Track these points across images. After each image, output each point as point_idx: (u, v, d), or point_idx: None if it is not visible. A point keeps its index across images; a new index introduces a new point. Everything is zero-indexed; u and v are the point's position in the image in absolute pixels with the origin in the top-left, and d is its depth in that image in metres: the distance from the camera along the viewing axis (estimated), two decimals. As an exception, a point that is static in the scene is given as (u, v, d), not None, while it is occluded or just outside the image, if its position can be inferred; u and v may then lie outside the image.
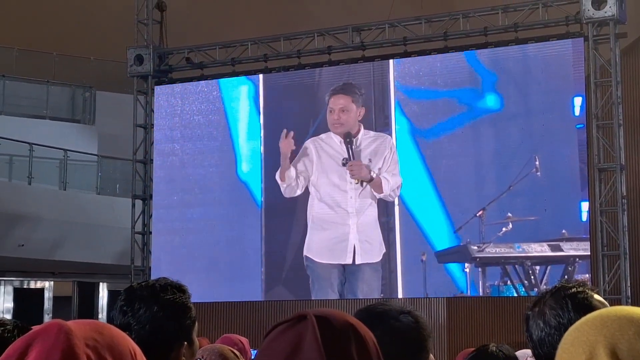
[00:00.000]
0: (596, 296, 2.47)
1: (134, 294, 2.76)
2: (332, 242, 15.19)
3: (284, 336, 1.58)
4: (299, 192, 15.48)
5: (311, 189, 15.46)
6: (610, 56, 14.08)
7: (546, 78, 14.48)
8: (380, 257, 14.98)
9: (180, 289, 2.82)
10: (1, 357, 1.36)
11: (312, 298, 15.21)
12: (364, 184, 15.01)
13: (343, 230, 15.12)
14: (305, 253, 15.35)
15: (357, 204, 15.07)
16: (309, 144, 15.47)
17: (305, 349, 1.53)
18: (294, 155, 15.52)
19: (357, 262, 15.01)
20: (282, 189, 15.58)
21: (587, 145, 14.04)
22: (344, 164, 15.15)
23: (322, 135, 15.40)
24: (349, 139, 15.12)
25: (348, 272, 15.12)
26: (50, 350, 1.32)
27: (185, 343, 2.78)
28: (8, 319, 2.47)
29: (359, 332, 1.61)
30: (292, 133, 15.54)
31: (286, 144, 15.51)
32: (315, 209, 15.40)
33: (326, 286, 15.22)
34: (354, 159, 15.07)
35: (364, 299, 14.95)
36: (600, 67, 14.31)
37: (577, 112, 14.18)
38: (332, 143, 15.28)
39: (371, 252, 14.99)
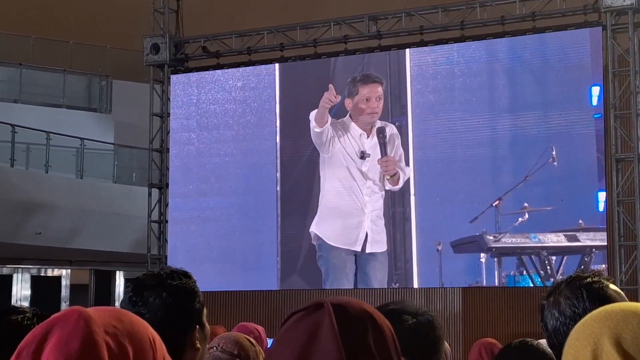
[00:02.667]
0: (612, 286, 2.46)
1: (142, 284, 2.78)
2: (346, 229, 15.19)
3: (301, 324, 1.58)
4: (325, 145, 15.42)
5: (323, 174, 15.44)
6: (628, 45, 14.02)
7: (564, 67, 14.43)
8: (386, 248, 15.01)
9: (185, 274, 2.85)
10: (21, 343, 1.37)
11: (327, 287, 15.21)
12: (387, 179, 15.03)
13: (358, 218, 15.12)
14: (314, 230, 15.34)
15: (371, 193, 15.09)
16: (329, 126, 15.45)
17: (321, 337, 1.53)
18: (331, 110, 15.53)
19: (367, 251, 15.03)
20: (313, 131, 15.48)
21: (605, 135, 13.99)
22: (362, 157, 15.13)
23: (343, 121, 15.36)
24: (382, 134, 15.09)
25: (360, 261, 15.13)
26: (69, 336, 1.33)
27: (198, 326, 2.80)
28: (27, 307, 2.49)
29: (376, 321, 1.62)
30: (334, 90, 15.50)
31: (329, 98, 15.42)
32: (328, 195, 15.40)
33: (341, 276, 15.22)
34: (387, 153, 15.06)
35: (379, 288, 14.97)
36: (619, 56, 14.24)
37: (594, 101, 14.13)
38: (352, 133, 15.26)
39: (381, 242, 15.02)
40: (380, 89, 15.34)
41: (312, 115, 15.48)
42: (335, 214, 15.35)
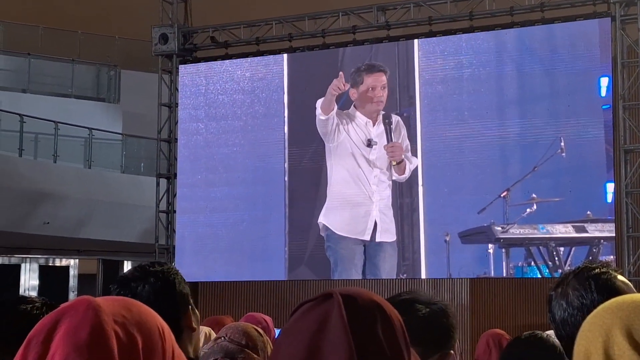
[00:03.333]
0: (620, 277, 2.46)
1: (126, 278, 2.79)
2: (355, 218, 15.19)
3: (310, 315, 1.58)
4: (330, 134, 15.41)
5: (329, 163, 15.44)
6: (637, 36, 13.99)
7: (572, 58, 14.39)
8: (395, 238, 15.02)
9: (161, 262, 2.87)
10: (30, 332, 1.37)
11: (335, 278, 15.21)
12: (393, 165, 15.02)
13: (367, 207, 15.12)
14: (322, 220, 15.34)
15: (378, 182, 15.09)
16: (335, 115, 15.44)
17: (330, 328, 1.53)
18: (338, 99, 15.53)
19: (377, 240, 15.03)
20: (318, 119, 15.46)
21: (613, 126, 13.96)
22: (368, 145, 15.13)
23: (349, 111, 15.36)
24: (388, 120, 15.10)
25: (369, 251, 15.13)
26: (78, 326, 1.33)
27: (190, 307, 2.82)
28: (36, 297, 2.50)
29: (385, 311, 1.62)
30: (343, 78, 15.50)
31: (338, 85, 15.41)
32: (335, 185, 15.40)
33: (349, 267, 15.22)
34: (392, 140, 15.06)
35: (387, 278, 14.97)
36: (628, 47, 14.22)
37: (603, 92, 14.10)
38: (358, 122, 15.26)
39: (390, 231, 15.02)
40: (384, 78, 15.32)
41: (319, 103, 15.47)
42: (343, 204, 15.34)
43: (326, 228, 15.39)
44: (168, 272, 2.80)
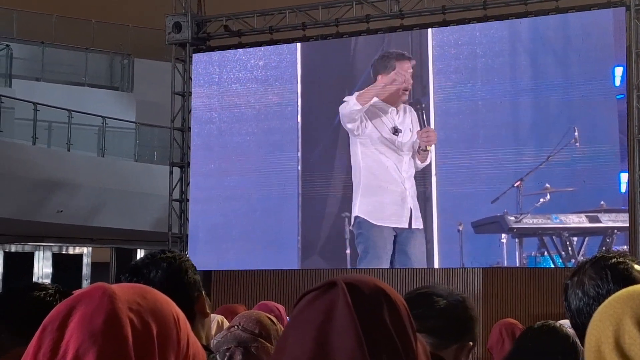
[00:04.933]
0: (637, 267, 2.45)
1: (137, 265, 2.79)
2: (391, 206, 15.13)
3: (315, 305, 1.58)
4: (349, 126, 15.40)
5: (360, 150, 15.39)
6: (652, 26, 13.94)
7: (586, 48, 14.35)
8: (422, 226, 15.00)
9: (171, 250, 2.88)
10: (45, 318, 1.37)
11: (362, 267, 15.13)
12: (420, 152, 14.99)
13: (401, 195, 15.06)
14: (357, 214, 15.28)
15: (408, 169, 15.07)
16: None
17: (337, 317, 1.53)
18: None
19: (412, 227, 14.99)
20: (351, 109, 15.41)
21: (627, 116, 13.92)
22: (394, 132, 15.07)
23: (374, 101, 15.30)
24: (419, 105, 15.06)
25: (400, 239, 15.06)
26: (93, 313, 1.34)
27: (203, 293, 2.83)
28: (49, 284, 2.50)
29: (390, 297, 1.61)
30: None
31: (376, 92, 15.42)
32: (367, 173, 15.34)
33: (381, 255, 15.13)
34: (427, 125, 15.03)
35: (405, 268, 14.95)
36: (642, 36, 14.17)
37: (617, 82, 14.06)
38: (382, 110, 15.20)
39: (419, 218, 15.00)
40: (411, 65, 15.31)
41: (355, 95, 15.42)
42: (377, 193, 15.26)
43: (359, 218, 15.30)
44: (179, 258, 2.81)
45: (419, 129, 15.06)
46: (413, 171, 15.08)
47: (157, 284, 2.70)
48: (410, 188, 15.07)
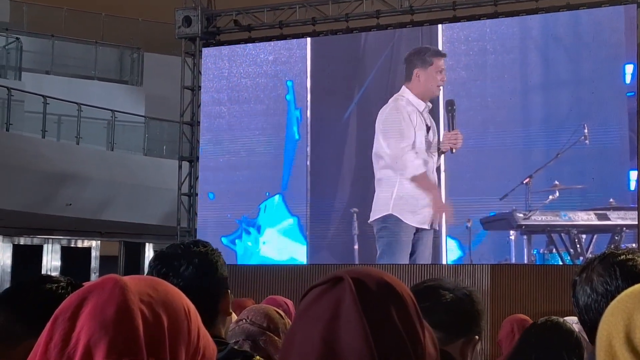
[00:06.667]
0: (646, 264, 2.45)
1: (168, 254, 2.77)
2: (424, 208, 14.99)
3: (322, 300, 1.57)
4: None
5: (386, 148, 15.24)
6: (663, 24, 13.90)
7: (597, 45, 14.32)
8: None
9: (204, 243, 2.86)
10: (57, 309, 1.38)
11: (381, 262, 15.08)
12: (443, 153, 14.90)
13: (433, 195, 14.93)
14: (392, 212, 15.13)
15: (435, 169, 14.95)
16: (392, 102, 15.29)
17: (344, 314, 1.52)
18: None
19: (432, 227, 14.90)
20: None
21: (637, 114, 13.88)
22: (427, 131, 14.96)
23: (402, 99, 15.18)
24: (451, 106, 14.94)
25: (416, 237, 14.97)
26: (105, 304, 1.34)
27: (229, 291, 2.82)
28: (61, 276, 2.50)
29: (397, 291, 1.61)
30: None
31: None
32: (399, 170, 15.21)
33: (400, 250, 15.04)
34: (454, 128, 14.92)
35: (411, 264, 14.94)
36: (653, 34, 14.13)
37: (628, 79, 14.03)
38: (413, 106, 15.06)
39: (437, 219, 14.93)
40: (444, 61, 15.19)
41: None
42: (412, 192, 15.08)
43: (391, 216, 15.13)
44: (212, 253, 2.79)
45: (445, 129, 14.91)
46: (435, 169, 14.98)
47: (187, 278, 2.70)
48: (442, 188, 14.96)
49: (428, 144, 14.97)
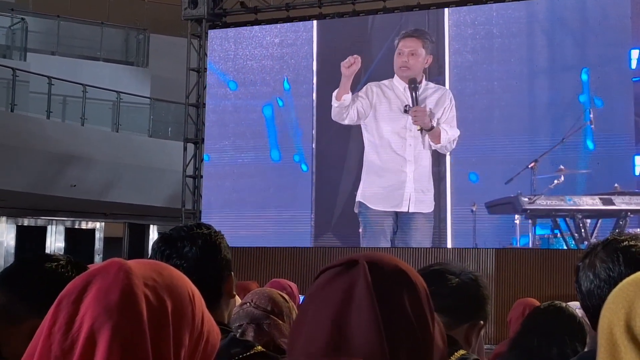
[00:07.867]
0: (650, 249, 2.45)
1: (172, 236, 2.78)
2: (388, 189, 15.15)
3: (336, 282, 1.57)
4: (346, 121, 15.44)
5: (365, 134, 15.40)
6: (670, 8, 13.85)
7: (603, 30, 14.29)
8: (432, 209, 14.97)
9: (207, 225, 2.87)
10: (61, 293, 1.38)
11: (363, 245, 15.21)
12: (424, 132, 14.94)
13: (400, 177, 15.08)
14: (359, 199, 15.33)
15: (414, 152, 15.01)
16: (373, 86, 15.38)
17: (356, 297, 1.53)
18: (355, 81, 15.49)
19: (410, 210, 15.00)
20: (333, 109, 15.52)
21: (643, 99, 13.87)
22: (405, 111, 15.07)
23: (386, 81, 15.30)
24: (413, 84, 15.02)
25: (401, 221, 15.12)
26: (109, 288, 1.34)
27: (232, 273, 2.83)
28: (61, 255, 2.50)
29: (410, 278, 1.61)
30: (359, 58, 15.48)
31: (350, 68, 15.44)
32: (371, 155, 15.36)
33: (378, 233, 15.23)
34: (417, 105, 15.00)
35: (417, 247, 14.95)
36: (660, 19, 14.08)
37: (633, 65, 14.00)
38: (395, 89, 15.19)
39: (425, 202, 14.97)
40: (414, 44, 15.21)
41: (334, 94, 15.49)
42: (375, 174, 15.26)
43: (361, 204, 15.35)
44: (215, 235, 2.80)
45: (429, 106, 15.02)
46: (425, 153, 15.00)
47: (191, 259, 2.71)
48: (411, 172, 15.01)
49: (404, 126, 15.03)
